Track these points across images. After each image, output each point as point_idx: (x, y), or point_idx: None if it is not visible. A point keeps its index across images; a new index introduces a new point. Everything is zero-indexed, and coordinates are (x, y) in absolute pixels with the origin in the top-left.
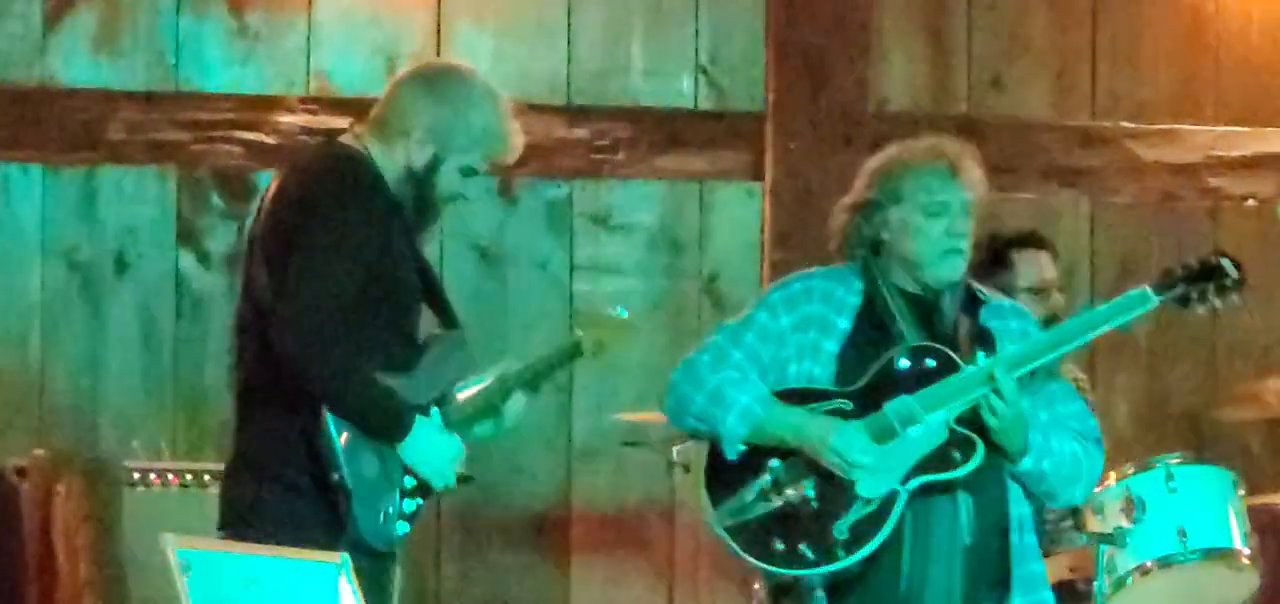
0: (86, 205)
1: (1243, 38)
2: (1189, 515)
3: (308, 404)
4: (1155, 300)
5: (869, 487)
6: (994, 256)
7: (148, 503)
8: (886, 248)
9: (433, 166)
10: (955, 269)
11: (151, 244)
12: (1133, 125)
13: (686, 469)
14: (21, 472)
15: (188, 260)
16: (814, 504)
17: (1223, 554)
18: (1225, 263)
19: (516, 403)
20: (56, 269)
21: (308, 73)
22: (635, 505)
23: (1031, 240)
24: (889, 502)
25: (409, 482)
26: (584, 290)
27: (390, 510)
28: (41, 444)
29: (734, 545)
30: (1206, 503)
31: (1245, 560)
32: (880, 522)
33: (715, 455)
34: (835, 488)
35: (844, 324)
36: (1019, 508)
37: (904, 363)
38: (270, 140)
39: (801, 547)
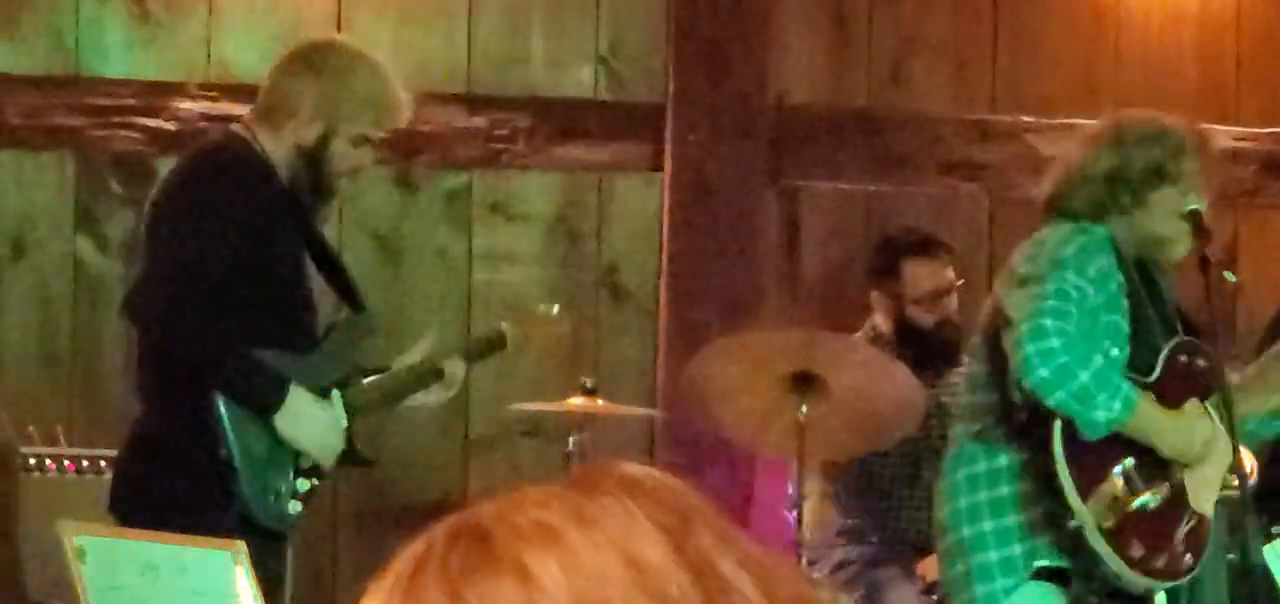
0: None
1: (1143, 32)
2: None
3: (199, 381)
4: None
5: (1197, 498)
6: (885, 265)
7: (44, 490)
8: (1130, 221)
9: (324, 142)
10: (1186, 252)
11: (49, 229)
12: (1032, 119)
13: (583, 459)
14: None
15: (86, 246)
16: (1159, 509)
17: None
18: None
19: (455, 368)
20: None
21: (208, 59)
22: None
23: (923, 248)
24: (1209, 515)
25: (304, 461)
26: (483, 279)
27: (282, 489)
28: None
29: (1098, 541)
30: None
31: None
32: (1206, 535)
33: (1070, 436)
34: (1176, 495)
35: (1127, 305)
36: None
37: (1182, 358)
38: (170, 126)
39: (1156, 556)
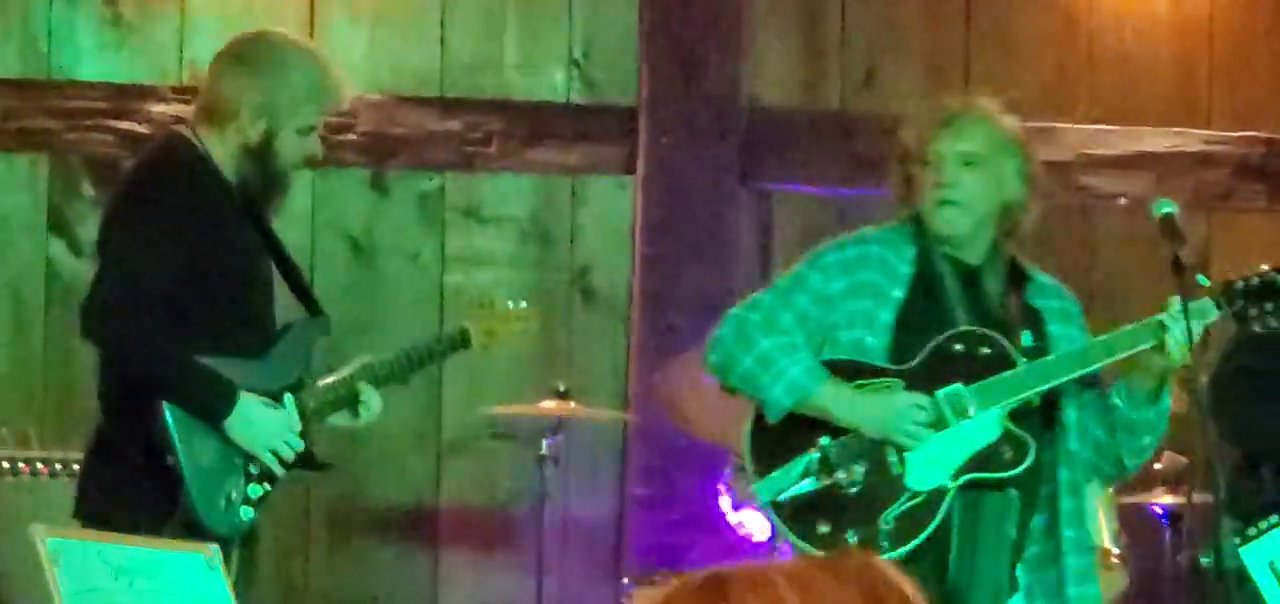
0: None
1: (1116, 35)
2: None
3: (148, 391)
4: (1215, 314)
5: (918, 478)
6: None
7: (16, 492)
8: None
9: (269, 139)
10: (946, 222)
11: (22, 232)
12: None
13: (556, 462)
14: None
15: (58, 248)
16: (862, 489)
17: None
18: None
19: (372, 396)
20: None
21: (180, 62)
22: (504, 499)
23: None
24: (938, 496)
25: (255, 467)
26: (455, 282)
27: (233, 495)
28: None
29: (777, 521)
30: None
31: (1115, 560)
32: (927, 516)
33: (760, 420)
34: (884, 475)
35: (898, 293)
36: (1072, 500)
37: (958, 347)
38: (143, 129)
39: (847, 533)
